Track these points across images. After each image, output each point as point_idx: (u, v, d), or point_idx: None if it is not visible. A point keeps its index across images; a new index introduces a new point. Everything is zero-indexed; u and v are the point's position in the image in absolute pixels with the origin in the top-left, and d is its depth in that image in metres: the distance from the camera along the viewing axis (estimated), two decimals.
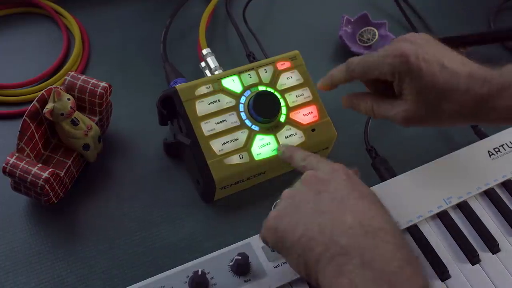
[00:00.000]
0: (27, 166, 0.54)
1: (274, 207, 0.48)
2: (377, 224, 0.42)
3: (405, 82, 0.52)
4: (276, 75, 0.63)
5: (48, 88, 0.56)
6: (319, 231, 0.43)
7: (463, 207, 0.60)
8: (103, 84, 0.59)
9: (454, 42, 0.76)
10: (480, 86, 0.49)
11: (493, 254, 0.58)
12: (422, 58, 0.50)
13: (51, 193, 0.55)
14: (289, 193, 0.48)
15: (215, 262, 0.53)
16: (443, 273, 0.55)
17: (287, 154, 0.56)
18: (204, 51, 0.68)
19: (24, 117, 0.55)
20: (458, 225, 0.59)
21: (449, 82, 0.50)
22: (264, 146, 0.60)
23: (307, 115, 0.62)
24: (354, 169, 0.52)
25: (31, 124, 0.55)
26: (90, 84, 0.59)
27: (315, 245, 0.42)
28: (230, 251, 0.54)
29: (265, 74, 0.63)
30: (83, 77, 0.60)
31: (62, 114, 0.55)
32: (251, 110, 0.60)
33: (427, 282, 0.40)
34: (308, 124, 0.62)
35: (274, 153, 0.59)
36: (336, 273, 0.40)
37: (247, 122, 0.60)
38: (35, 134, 0.56)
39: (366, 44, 0.77)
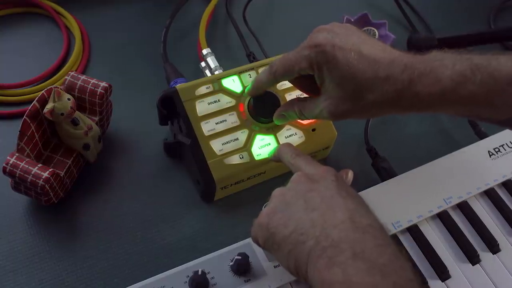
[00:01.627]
0: (27, 166, 0.54)
1: (264, 207, 0.49)
2: (366, 221, 0.43)
3: (323, 73, 0.50)
4: None
5: (48, 88, 0.56)
6: (311, 226, 0.43)
7: (463, 207, 0.60)
8: (103, 84, 0.59)
9: (454, 42, 0.76)
10: (401, 72, 0.47)
11: (493, 254, 0.58)
12: (338, 47, 0.48)
13: (51, 193, 0.55)
14: (279, 192, 0.48)
15: (215, 262, 0.53)
16: (443, 273, 0.55)
17: (276, 154, 0.56)
18: (204, 51, 0.68)
19: (24, 117, 0.55)
20: (458, 225, 0.59)
21: (367, 70, 0.47)
22: (264, 146, 0.60)
23: None
24: (345, 170, 0.52)
25: (31, 124, 0.55)
26: (90, 84, 0.59)
27: (306, 239, 0.43)
28: (230, 251, 0.54)
29: None
30: (83, 77, 0.60)
31: (62, 114, 0.55)
32: (251, 110, 0.60)
33: (416, 277, 0.40)
34: (308, 124, 0.62)
35: None
36: (327, 264, 0.40)
37: (247, 122, 0.60)
38: (35, 134, 0.56)
39: None
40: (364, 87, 0.48)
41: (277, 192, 0.48)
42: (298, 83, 0.57)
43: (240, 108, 0.60)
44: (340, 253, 0.40)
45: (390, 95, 0.47)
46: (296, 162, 0.52)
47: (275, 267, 0.53)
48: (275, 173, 0.63)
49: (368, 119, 0.67)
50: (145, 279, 0.52)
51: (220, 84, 0.61)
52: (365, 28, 0.78)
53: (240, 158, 0.59)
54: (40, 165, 0.54)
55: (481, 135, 0.67)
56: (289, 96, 0.62)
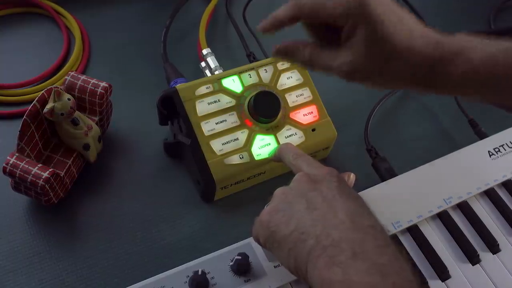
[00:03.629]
0: (27, 166, 0.54)
1: (266, 207, 0.49)
2: (366, 222, 0.43)
3: (357, 29, 0.45)
4: (276, 75, 0.63)
5: (48, 88, 0.56)
6: (312, 225, 0.43)
7: (463, 207, 0.60)
8: (103, 84, 0.59)
9: None
10: (434, 48, 0.45)
11: (493, 254, 0.58)
12: (384, 7, 0.45)
13: (51, 193, 0.55)
14: (281, 191, 0.48)
15: (215, 262, 0.53)
16: (443, 273, 0.55)
17: (277, 154, 0.56)
18: (204, 51, 0.68)
19: (24, 117, 0.55)
20: (458, 225, 0.59)
21: (403, 38, 0.45)
22: (264, 146, 0.60)
23: (307, 115, 0.62)
24: (347, 172, 0.52)
25: (31, 124, 0.55)
26: (90, 84, 0.59)
27: (307, 238, 0.43)
28: (230, 251, 0.54)
29: (265, 74, 0.63)
30: (83, 77, 0.60)
31: (62, 114, 0.55)
32: (251, 110, 0.60)
33: (416, 278, 0.40)
34: (308, 124, 0.62)
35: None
36: (327, 264, 0.40)
37: (247, 122, 0.60)
38: (35, 134, 0.56)
39: None
40: (397, 54, 0.45)
41: (279, 191, 0.48)
42: (315, 32, 0.51)
43: (240, 109, 0.60)
44: (340, 253, 0.40)
45: (421, 69, 0.46)
46: (298, 163, 0.52)
47: (275, 267, 0.53)
48: (275, 173, 0.63)
49: (368, 120, 0.67)
50: (145, 279, 0.51)
51: (220, 84, 0.61)
52: None
53: (240, 158, 0.59)
54: (40, 165, 0.54)
55: (481, 135, 0.67)
56: (289, 97, 0.62)
